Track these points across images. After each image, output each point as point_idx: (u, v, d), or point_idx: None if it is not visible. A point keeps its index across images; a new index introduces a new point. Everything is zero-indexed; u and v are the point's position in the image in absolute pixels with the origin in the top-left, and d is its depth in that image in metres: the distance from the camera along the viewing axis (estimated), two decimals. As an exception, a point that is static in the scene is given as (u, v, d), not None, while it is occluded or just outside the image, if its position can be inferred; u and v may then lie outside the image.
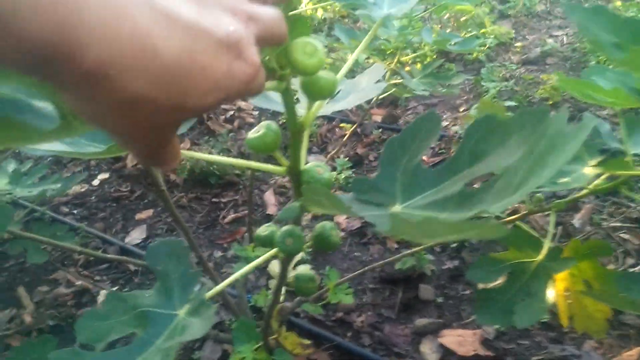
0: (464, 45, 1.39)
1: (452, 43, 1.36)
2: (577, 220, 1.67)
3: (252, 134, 0.59)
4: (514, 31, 3.13)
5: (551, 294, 0.93)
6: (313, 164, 0.60)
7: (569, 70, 2.66)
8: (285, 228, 0.66)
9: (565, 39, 2.96)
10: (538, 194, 1.05)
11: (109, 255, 1.32)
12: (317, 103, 0.56)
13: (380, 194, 0.58)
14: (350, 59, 0.69)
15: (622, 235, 1.60)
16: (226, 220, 2.00)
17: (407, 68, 1.72)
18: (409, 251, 1.33)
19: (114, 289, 1.65)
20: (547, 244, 0.99)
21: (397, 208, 0.57)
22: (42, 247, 1.28)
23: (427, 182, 0.57)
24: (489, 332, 1.36)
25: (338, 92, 0.74)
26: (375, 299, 1.53)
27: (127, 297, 0.67)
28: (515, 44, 2.96)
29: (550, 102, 2.33)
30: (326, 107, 0.67)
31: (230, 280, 0.68)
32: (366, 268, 1.27)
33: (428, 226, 0.37)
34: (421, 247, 1.26)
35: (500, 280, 1.04)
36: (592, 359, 1.22)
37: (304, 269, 1.63)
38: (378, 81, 0.72)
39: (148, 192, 2.23)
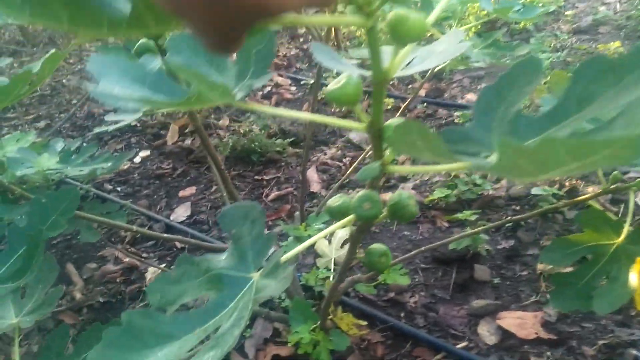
0: (526, 14, 1.30)
1: (514, 10, 1.27)
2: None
3: (332, 85, 0.55)
4: (563, -1, 2.97)
5: (634, 278, 0.87)
6: (395, 120, 0.56)
7: (623, 39, 2.51)
8: (362, 192, 0.62)
9: (618, 6, 2.79)
10: (615, 172, 0.98)
11: (165, 235, 1.31)
12: (404, 50, 0.51)
13: (475, 144, 0.54)
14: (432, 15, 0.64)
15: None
16: (269, 197, 1.97)
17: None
18: (462, 232, 1.28)
19: (162, 265, 1.65)
20: (627, 225, 0.92)
21: (494, 158, 0.52)
22: (94, 226, 1.27)
23: (528, 131, 0.52)
24: (551, 315, 1.31)
25: (413, 59, 0.69)
26: (428, 279, 1.49)
27: (199, 260, 0.65)
28: (565, 13, 2.80)
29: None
30: (404, 70, 0.62)
31: (308, 243, 0.65)
32: (423, 248, 1.22)
33: (549, 151, 0.32)
34: (478, 229, 1.20)
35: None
36: (666, 345, 1.16)
37: (377, 246, 1.60)
38: (460, 41, 0.66)
39: (190, 169, 2.22)
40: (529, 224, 1.61)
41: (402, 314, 1.39)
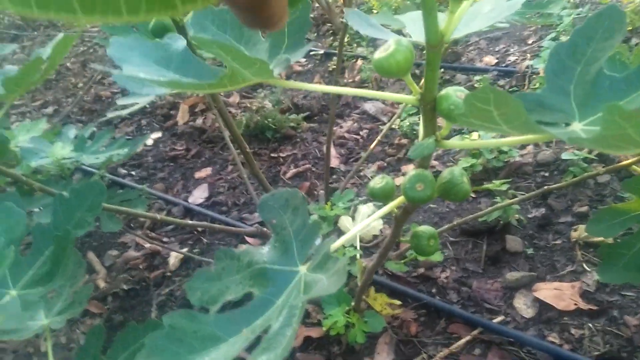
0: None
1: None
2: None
3: (380, 52, 0.49)
4: None
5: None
6: (451, 89, 0.50)
7: (647, -9, 2.39)
8: (413, 172, 0.57)
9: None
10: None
11: (190, 222, 1.28)
12: (460, 9, 0.46)
13: (550, 112, 0.48)
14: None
15: None
16: (287, 175, 1.93)
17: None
18: (490, 202, 1.22)
19: (184, 250, 1.62)
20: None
21: (576, 126, 0.47)
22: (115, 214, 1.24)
23: (612, 94, 0.47)
24: (589, 284, 1.26)
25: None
26: (458, 253, 1.44)
27: (239, 254, 0.60)
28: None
29: (630, 28, 2.11)
30: (457, 32, 0.56)
31: (353, 233, 0.61)
32: (456, 222, 1.17)
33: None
34: (511, 200, 1.15)
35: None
36: None
37: (376, 222, 1.56)
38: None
39: (204, 149, 2.17)
40: (560, 191, 1.55)
41: (434, 290, 1.35)
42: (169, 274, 1.57)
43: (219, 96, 0.86)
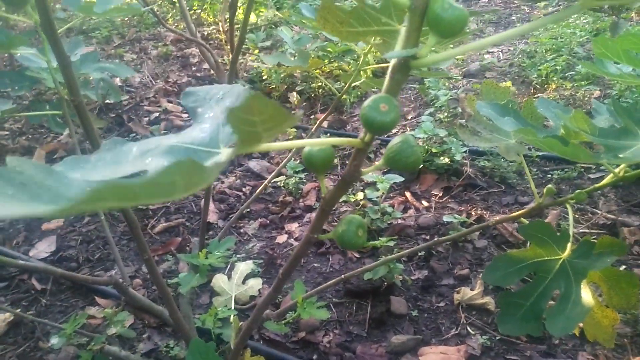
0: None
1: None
2: (544, 226, 1.58)
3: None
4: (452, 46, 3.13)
5: (587, 296, 0.79)
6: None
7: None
8: (376, 95, 0.44)
9: (501, 55, 3.00)
10: (549, 186, 0.92)
11: (22, 262, 1.02)
12: None
13: None
14: None
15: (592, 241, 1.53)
16: (156, 229, 1.71)
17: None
18: (376, 261, 1.15)
19: (17, 310, 1.31)
20: (571, 239, 0.85)
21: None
22: None
23: None
24: (474, 347, 1.21)
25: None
26: (342, 315, 1.33)
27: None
28: (456, 58, 2.94)
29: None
30: None
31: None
32: (342, 276, 1.06)
33: None
34: (394, 255, 1.08)
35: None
36: (593, 373, 1.10)
37: (255, 282, 1.40)
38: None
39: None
40: (441, 254, 1.53)
41: (316, 357, 1.20)
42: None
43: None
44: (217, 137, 0.39)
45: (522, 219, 0.98)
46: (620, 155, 0.67)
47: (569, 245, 0.84)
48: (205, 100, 0.44)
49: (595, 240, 0.82)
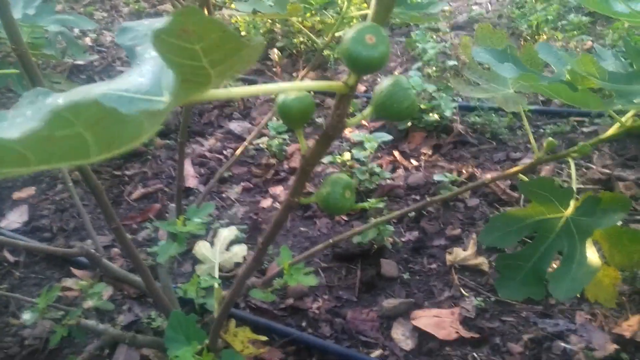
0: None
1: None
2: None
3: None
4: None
5: (592, 256, 0.73)
6: None
7: (496, 37, 2.57)
8: (359, 25, 0.36)
9: (489, 5, 2.89)
10: (550, 139, 0.85)
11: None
12: None
13: None
14: None
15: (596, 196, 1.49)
16: (133, 196, 1.63)
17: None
18: (365, 224, 1.09)
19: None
20: (574, 195, 0.79)
21: None
22: None
23: None
24: (469, 310, 1.17)
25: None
26: (331, 280, 1.27)
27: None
28: (443, 10, 2.83)
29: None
30: None
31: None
32: (330, 241, 1.00)
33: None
34: (384, 217, 1.02)
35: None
36: (590, 332, 1.07)
37: (239, 248, 1.34)
38: None
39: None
40: (432, 214, 1.48)
41: (305, 324, 1.16)
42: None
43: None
44: (160, 81, 0.31)
45: (521, 176, 0.92)
46: (635, 101, 0.61)
47: (572, 202, 0.78)
48: (146, 37, 0.35)
49: (599, 196, 0.76)
